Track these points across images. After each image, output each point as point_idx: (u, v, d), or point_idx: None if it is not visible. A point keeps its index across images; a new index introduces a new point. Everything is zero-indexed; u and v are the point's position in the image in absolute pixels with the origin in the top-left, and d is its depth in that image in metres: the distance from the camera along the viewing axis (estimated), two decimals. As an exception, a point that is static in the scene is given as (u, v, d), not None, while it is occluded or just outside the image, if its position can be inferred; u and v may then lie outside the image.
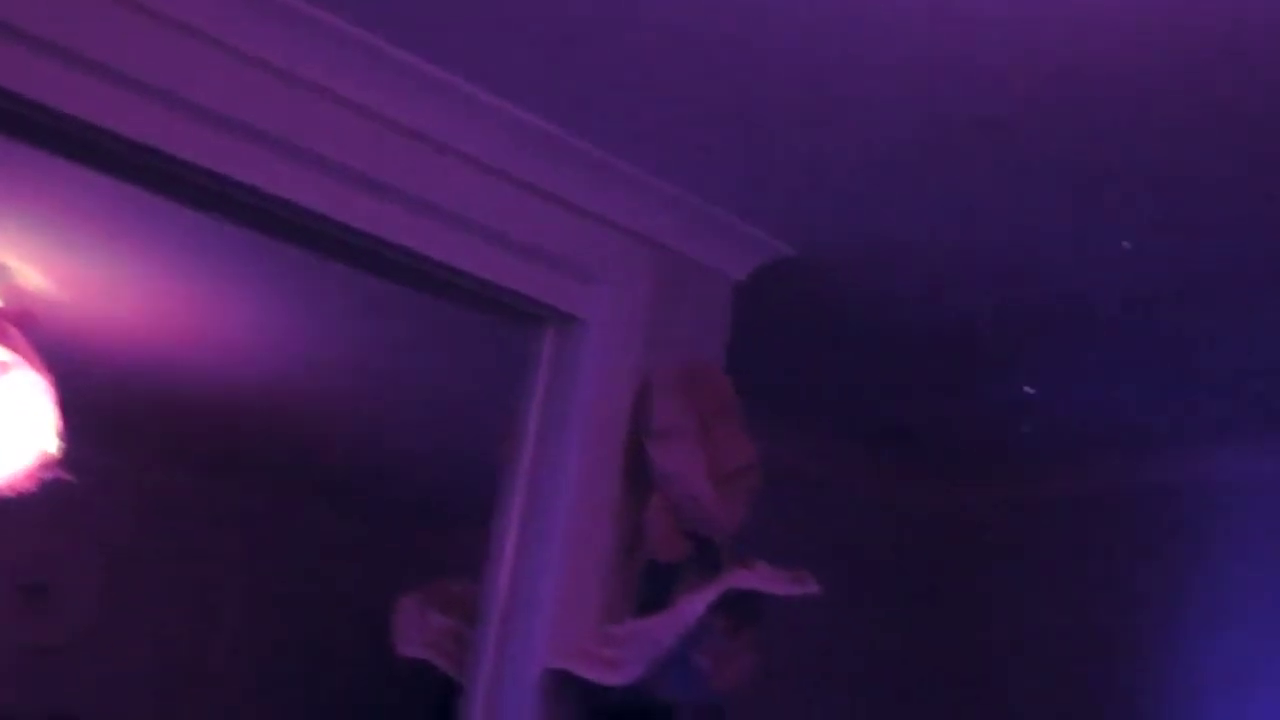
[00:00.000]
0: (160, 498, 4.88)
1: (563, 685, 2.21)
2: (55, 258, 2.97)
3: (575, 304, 2.36)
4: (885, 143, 2.18)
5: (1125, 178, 2.20)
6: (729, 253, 2.52)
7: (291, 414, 4.01)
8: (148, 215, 2.61)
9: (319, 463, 4.59)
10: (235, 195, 2.06)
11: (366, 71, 2.07)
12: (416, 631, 2.52)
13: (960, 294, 2.75)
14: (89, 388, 3.35)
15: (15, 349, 2.94)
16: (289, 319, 3.27)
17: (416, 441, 4.03)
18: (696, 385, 2.32)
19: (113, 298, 3.18)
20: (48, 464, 3.03)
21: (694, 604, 2.06)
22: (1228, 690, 3.12)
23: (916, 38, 1.88)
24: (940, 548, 3.69)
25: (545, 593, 2.27)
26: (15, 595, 4.65)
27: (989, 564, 3.63)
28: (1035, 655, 3.43)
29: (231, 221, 2.22)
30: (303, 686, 5.01)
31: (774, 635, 2.22)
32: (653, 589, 2.30)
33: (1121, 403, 3.19)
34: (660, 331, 2.43)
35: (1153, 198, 2.26)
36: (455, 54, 2.06)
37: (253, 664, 5.01)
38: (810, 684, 3.35)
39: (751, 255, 2.55)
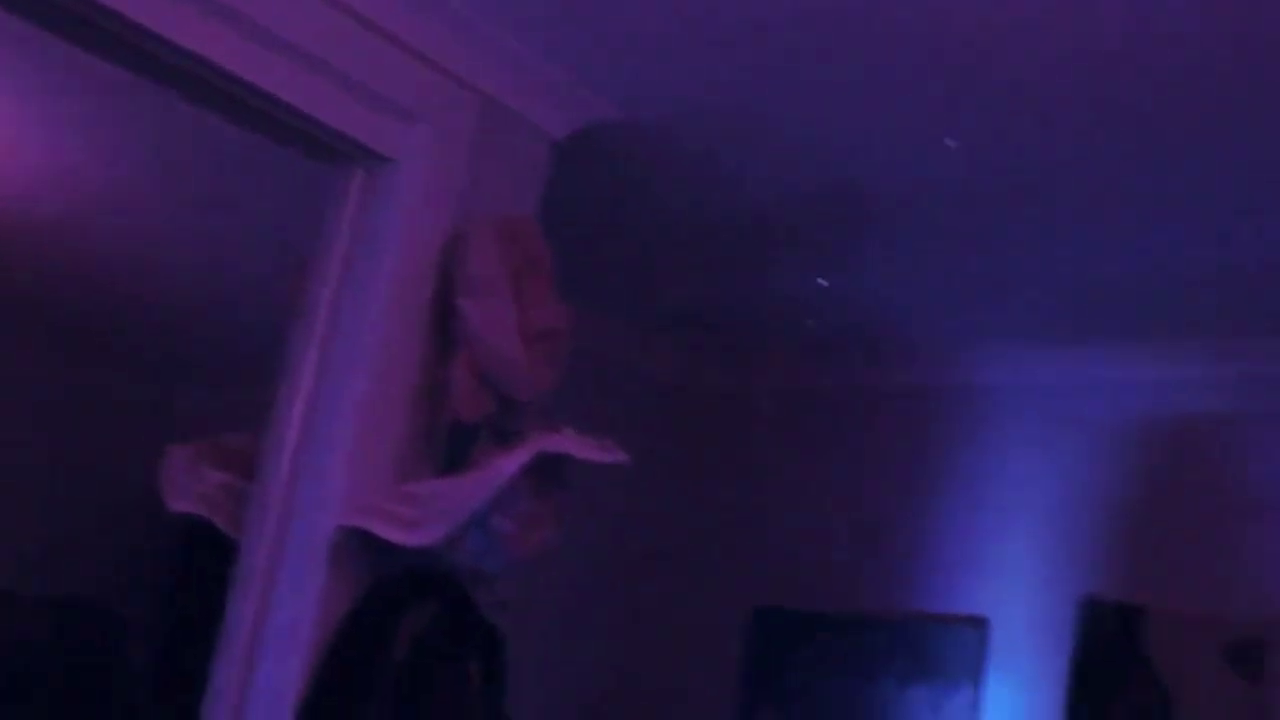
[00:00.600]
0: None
1: (352, 545, 2.10)
2: None
3: (389, 144, 2.20)
4: (715, 15, 2.12)
5: (950, 76, 2.20)
6: (552, 109, 2.41)
7: (49, 253, 3.67)
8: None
9: (82, 314, 4.24)
10: None
11: None
12: (188, 485, 2.35)
13: (768, 179, 2.73)
14: None
15: None
16: (51, 140, 2.97)
17: (192, 293, 3.76)
18: (512, 239, 2.21)
19: None
20: None
21: (504, 465, 1.98)
22: (975, 569, 3.29)
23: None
24: (724, 429, 3.71)
25: (338, 449, 2.14)
26: None
27: (768, 447, 3.67)
28: (806, 533, 3.51)
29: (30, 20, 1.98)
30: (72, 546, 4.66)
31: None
32: (450, 450, 2.20)
33: (911, 302, 3.26)
34: (475, 183, 2.30)
35: (975, 99, 2.27)
36: None
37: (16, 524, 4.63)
38: (590, 557, 3.33)
39: (575, 115, 2.44)
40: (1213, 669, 2.97)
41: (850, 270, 3.13)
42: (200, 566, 2.47)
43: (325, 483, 2.13)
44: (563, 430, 2.11)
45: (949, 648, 3.23)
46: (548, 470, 2.06)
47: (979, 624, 3.22)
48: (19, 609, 4.64)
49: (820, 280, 3.18)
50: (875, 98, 2.32)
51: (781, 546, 3.53)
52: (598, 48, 2.29)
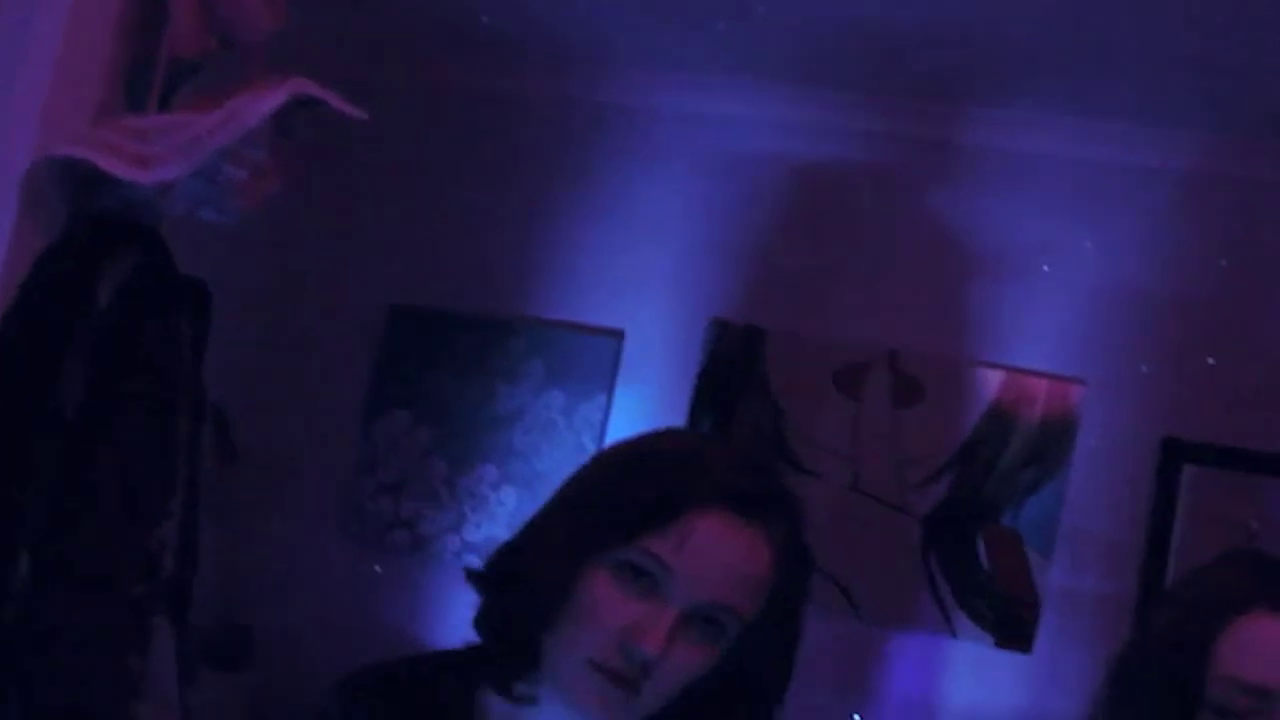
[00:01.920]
0: None
1: (50, 183, 1.87)
2: None
3: None
4: None
5: None
6: None
7: None
8: None
9: None
10: None
11: None
12: None
13: None
14: None
15: None
16: None
17: None
18: None
19: None
20: None
21: (254, 104, 1.81)
22: (614, 284, 3.43)
23: None
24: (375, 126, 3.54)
25: (34, 78, 1.88)
26: None
27: (417, 144, 3.57)
28: (445, 233, 3.48)
29: None
30: None
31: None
32: (165, 89, 1.99)
33: (591, 14, 3.22)
34: None
35: None
36: None
37: None
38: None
39: None
40: (821, 388, 3.29)
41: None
42: None
43: (18, 114, 1.87)
44: (297, 77, 1.96)
45: (585, 356, 3.36)
46: (284, 118, 1.91)
47: (615, 335, 3.37)
48: None
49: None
50: None
51: (420, 246, 3.49)
52: None
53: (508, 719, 1.63)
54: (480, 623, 1.66)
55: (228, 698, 3.24)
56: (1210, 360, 3.18)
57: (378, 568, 3.30)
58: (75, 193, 1.89)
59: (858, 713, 3.13)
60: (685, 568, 1.50)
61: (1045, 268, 3.26)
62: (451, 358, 3.39)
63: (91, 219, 1.92)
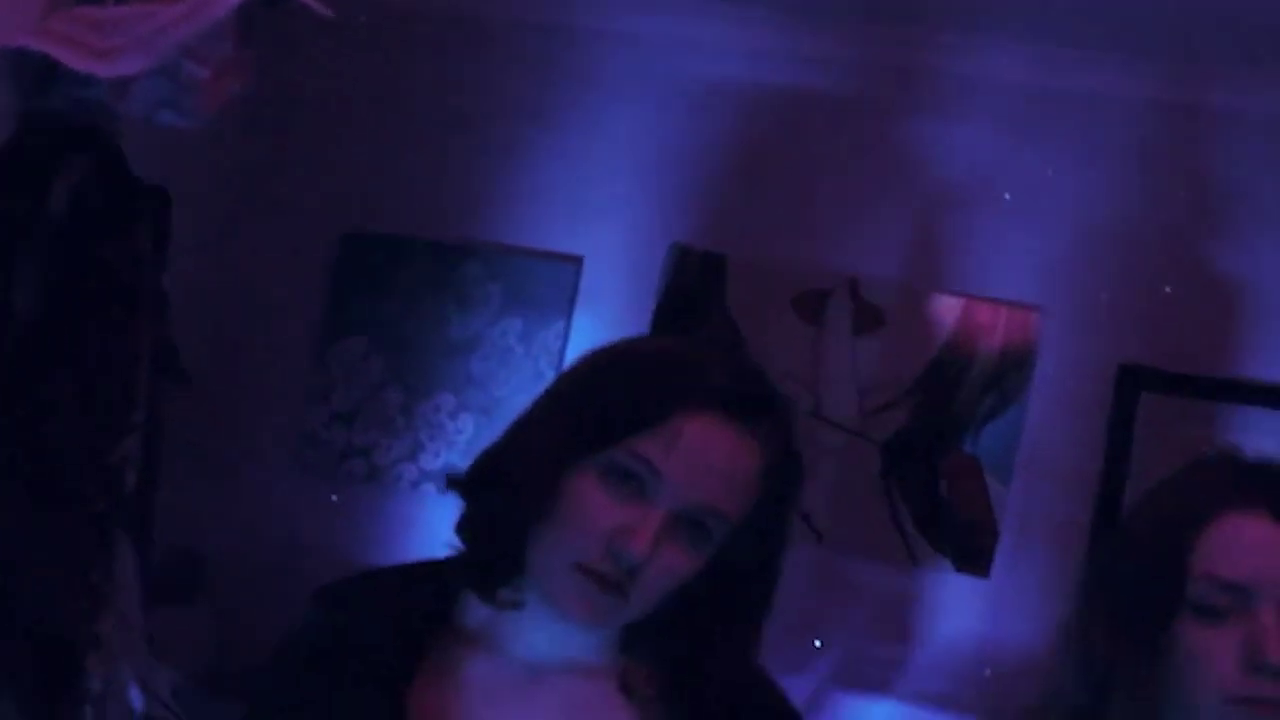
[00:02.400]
0: None
1: (3, 77, 1.79)
2: None
3: None
4: None
5: None
6: None
7: None
8: None
9: None
10: None
11: None
12: None
13: None
14: None
15: None
16: None
17: None
18: None
19: None
20: None
21: (218, -4, 1.74)
22: (572, 209, 3.38)
23: None
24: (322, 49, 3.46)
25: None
26: None
27: (368, 69, 3.49)
28: (400, 158, 3.41)
29: None
30: None
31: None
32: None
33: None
34: None
35: None
36: None
37: None
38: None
39: None
40: (782, 315, 3.26)
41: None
42: None
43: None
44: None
45: (543, 282, 3.31)
46: (248, 17, 1.84)
47: (573, 261, 3.32)
48: None
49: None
50: None
51: (375, 171, 3.41)
52: None
53: (491, 625, 1.60)
54: (462, 528, 1.62)
55: (180, 632, 3.18)
56: (1168, 288, 3.19)
57: (334, 497, 3.24)
58: (27, 89, 1.81)
59: (819, 639, 3.14)
60: (673, 470, 1.47)
61: (1006, 195, 3.25)
62: (407, 284, 3.33)
63: (44, 121, 1.85)
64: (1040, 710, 1.80)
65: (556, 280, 3.29)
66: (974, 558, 3.13)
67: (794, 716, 1.66)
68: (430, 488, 3.22)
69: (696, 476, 1.48)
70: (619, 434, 1.49)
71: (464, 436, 3.23)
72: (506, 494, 1.54)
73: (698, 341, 1.94)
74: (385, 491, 3.26)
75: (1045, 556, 3.10)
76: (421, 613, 1.60)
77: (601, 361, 1.60)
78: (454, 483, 1.62)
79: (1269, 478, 1.69)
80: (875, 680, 3.14)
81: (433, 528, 3.38)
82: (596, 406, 1.52)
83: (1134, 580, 1.66)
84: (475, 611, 1.60)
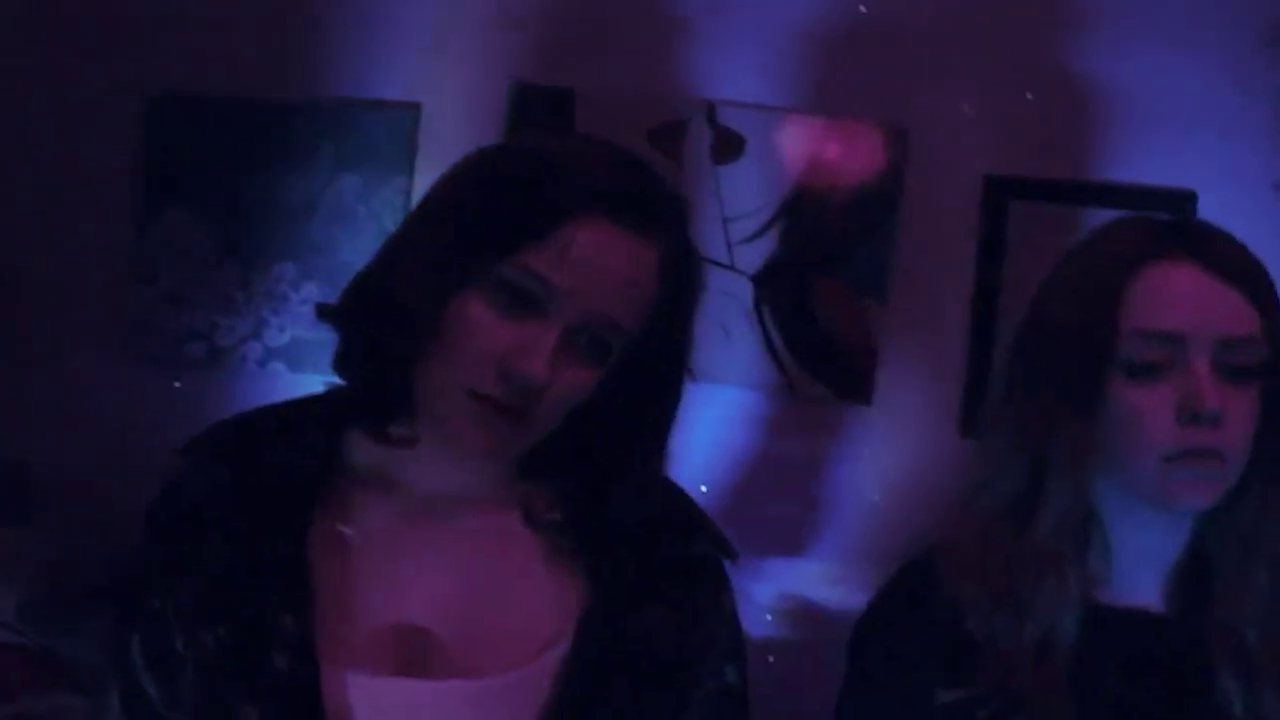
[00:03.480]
0: None
1: None
2: None
3: None
4: None
5: None
6: None
7: None
8: None
9: None
10: None
11: None
12: None
13: None
14: None
15: None
16: None
17: None
18: None
19: None
20: None
21: None
22: (406, 52, 3.12)
23: None
24: None
25: None
26: None
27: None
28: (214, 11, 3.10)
29: None
30: None
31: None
32: None
33: None
34: None
35: None
36: None
37: None
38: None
39: None
40: (638, 149, 3.07)
41: None
42: None
43: None
44: None
45: (378, 135, 3.06)
46: None
47: (410, 109, 3.07)
48: None
49: None
50: None
51: (180, 25, 3.09)
52: None
53: (384, 463, 1.51)
54: (340, 364, 1.53)
55: (14, 552, 2.92)
56: (1029, 95, 3.11)
57: (177, 384, 2.99)
58: None
59: (704, 484, 3.04)
60: (567, 282, 1.39)
61: (862, 8, 3.11)
62: (229, 149, 3.04)
63: None
64: (960, 521, 1.74)
65: (393, 131, 3.04)
66: (855, 385, 3.05)
67: (706, 527, 1.60)
68: (280, 366, 2.99)
69: (591, 287, 1.40)
70: (506, 248, 1.39)
71: (310, 308, 2.99)
72: (388, 322, 1.44)
73: (578, 141, 1.79)
74: (231, 374, 3.02)
75: (925, 377, 3.04)
76: (308, 456, 1.50)
77: (480, 170, 1.47)
78: (326, 313, 1.53)
79: (1189, 229, 1.66)
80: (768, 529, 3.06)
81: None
82: (478, 219, 1.41)
83: (1061, 348, 1.61)
84: (366, 450, 1.51)
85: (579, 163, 1.43)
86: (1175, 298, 1.58)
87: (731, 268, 3.05)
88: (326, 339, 3.01)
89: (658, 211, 1.46)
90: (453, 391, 1.40)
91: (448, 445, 1.46)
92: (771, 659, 2.91)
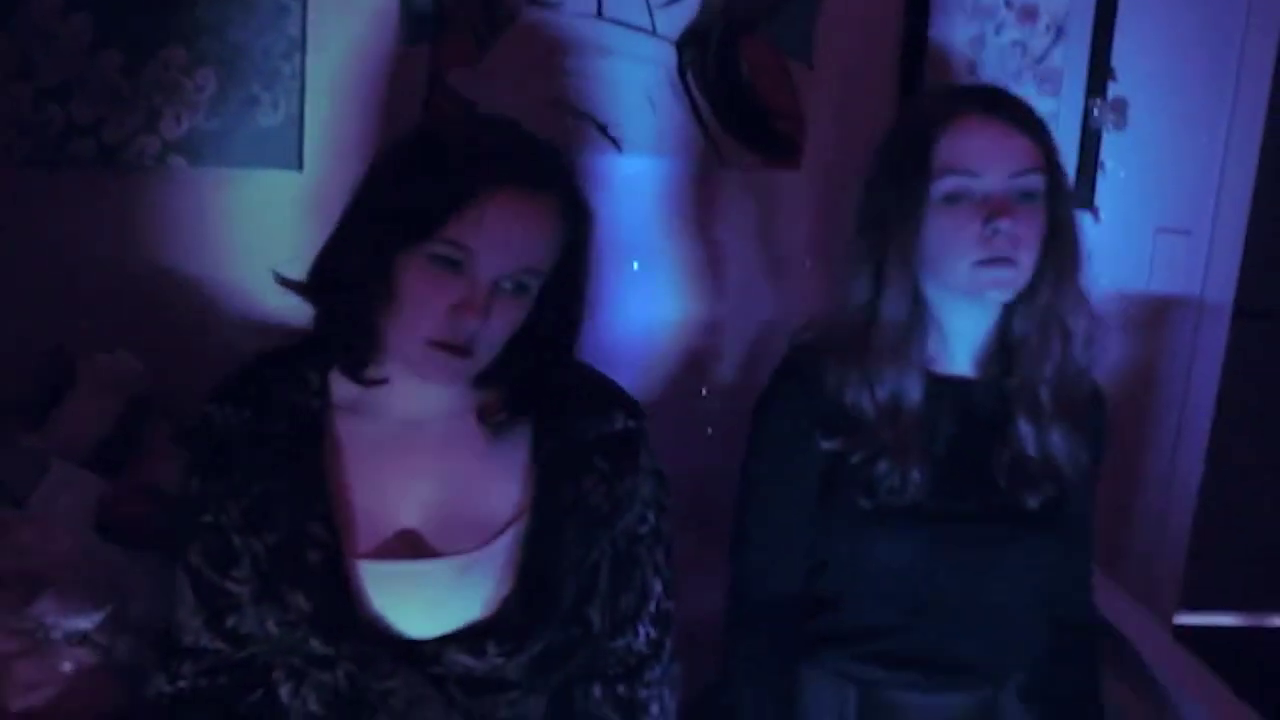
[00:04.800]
0: None
1: None
2: None
3: None
4: None
5: None
6: None
7: None
8: None
9: None
10: None
11: None
12: None
13: None
14: None
15: None
16: None
17: None
18: None
19: None
20: None
21: None
22: None
23: None
24: None
25: None
26: None
27: None
28: None
29: None
30: None
31: None
32: None
33: None
34: None
35: None
36: None
37: None
38: None
39: None
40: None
41: None
42: None
43: None
44: None
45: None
46: None
47: None
48: None
49: None
50: None
51: None
52: None
53: (365, 396, 1.98)
54: (320, 324, 1.97)
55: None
56: None
57: (77, 197, 2.75)
58: None
59: (636, 261, 3.01)
60: (486, 245, 1.80)
61: None
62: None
63: None
64: (831, 314, 2.34)
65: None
66: (783, 150, 3.01)
67: (620, 402, 2.05)
68: (180, 160, 2.76)
69: (506, 246, 1.81)
70: (432, 224, 1.78)
71: (206, 94, 2.75)
72: (350, 292, 1.87)
73: (485, 123, 2.20)
74: (124, 171, 2.78)
75: (854, 140, 3.02)
76: (311, 396, 1.95)
77: (400, 160, 1.88)
78: (297, 287, 1.96)
79: (986, 92, 2.27)
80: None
81: (185, 206, 2.97)
82: (405, 203, 1.81)
83: (893, 185, 2.20)
84: (349, 388, 1.97)
85: (485, 146, 1.83)
86: (975, 141, 2.13)
87: (654, 33, 2.92)
88: (229, 127, 2.83)
89: (549, 171, 1.88)
90: (415, 340, 1.83)
91: (415, 381, 1.92)
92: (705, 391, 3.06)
